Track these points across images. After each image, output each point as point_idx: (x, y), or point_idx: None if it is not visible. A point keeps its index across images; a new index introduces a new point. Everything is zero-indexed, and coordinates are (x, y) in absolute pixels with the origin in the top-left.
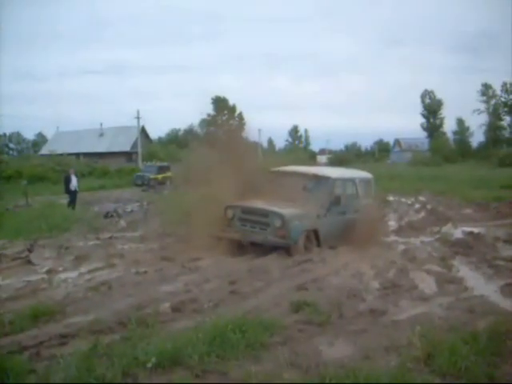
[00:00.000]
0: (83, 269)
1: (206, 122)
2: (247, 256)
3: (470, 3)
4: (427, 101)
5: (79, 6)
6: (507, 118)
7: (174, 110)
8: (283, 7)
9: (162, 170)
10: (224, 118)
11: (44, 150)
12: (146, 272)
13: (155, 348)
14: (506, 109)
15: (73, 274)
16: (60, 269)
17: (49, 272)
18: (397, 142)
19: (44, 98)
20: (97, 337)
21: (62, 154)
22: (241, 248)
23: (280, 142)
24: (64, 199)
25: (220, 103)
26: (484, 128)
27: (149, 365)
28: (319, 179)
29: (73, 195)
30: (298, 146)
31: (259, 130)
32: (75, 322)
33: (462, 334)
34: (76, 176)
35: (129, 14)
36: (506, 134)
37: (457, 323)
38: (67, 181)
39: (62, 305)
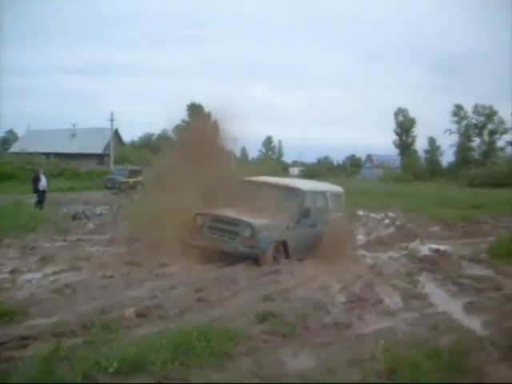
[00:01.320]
0: (48, 270)
1: (180, 128)
2: (215, 264)
3: (450, 24)
4: (400, 118)
5: (64, 3)
6: (477, 140)
7: (150, 114)
8: (267, 17)
9: (133, 173)
10: (198, 125)
11: (14, 148)
12: (112, 276)
13: (118, 353)
14: (476, 130)
15: (37, 275)
16: (24, 269)
17: (12, 272)
18: (369, 157)
19: (17, 95)
20: (59, 340)
21: (32, 153)
22: (209, 256)
23: (253, 152)
24: (32, 199)
25: (195, 110)
26: (454, 148)
27: (110, 369)
28: (290, 191)
29: (41, 195)
30: (271, 157)
31: (235, 139)
32: (37, 324)
33: (425, 350)
34: (45, 176)
35: (111, 14)
36: (476, 155)
37: (420, 339)
38: (36, 180)
39: (24, 306)
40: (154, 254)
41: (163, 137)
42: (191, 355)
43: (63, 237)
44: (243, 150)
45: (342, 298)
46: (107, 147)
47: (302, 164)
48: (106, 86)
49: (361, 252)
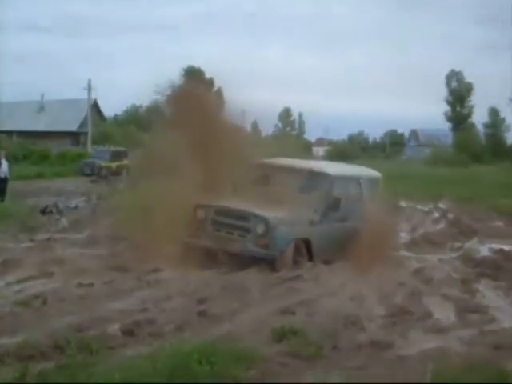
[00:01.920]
0: (11, 277)
1: (175, 98)
2: (221, 269)
3: None
4: (453, 84)
5: None
6: None
7: (136, 81)
8: None
9: (117, 156)
10: (197, 93)
11: None
12: (91, 284)
13: (100, 380)
14: None
15: None
16: None
17: None
18: (413, 133)
19: None
20: (25, 364)
21: None
22: (213, 258)
23: (267, 128)
24: None
25: (194, 75)
26: None
27: None
28: (315, 176)
29: (2, 184)
30: (290, 134)
31: (244, 112)
32: None
33: (486, 375)
34: (6, 160)
35: None
36: None
37: (479, 361)
38: None
39: None
40: (143, 257)
41: (153, 109)
42: (191, 382)
43: (30, 236)
44: (255, 126)
45: (380, 311)
46: (83, 123)
47: (329, 142)
48: (79, 48)
49: (404, 253)
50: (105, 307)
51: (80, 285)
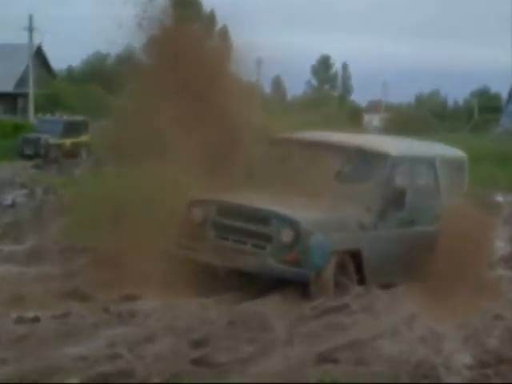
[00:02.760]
0: None
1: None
2: (227, 295)
3: None
4: None
5: None
6: None
7: (101, 17)
8: None
9: (72, 129)
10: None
11: None
12: (36, 319)
13: None
14: None
15: None
16: None
17: None
18: None
19: None
20: None
21: None
22: (217, 279)
23: (296, 85)
24: None
25: (186, 8)
26: None
27: None
28: (367, 158)
29: None
30: (330, 94)
31: (259, 62)
32: None
33: None
34: None
35: None
36: None
37: None
38: None
39: None
40: (112, 278)
41: (126, 59)
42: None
43: None
44: (277, 83)
45: (465, 359)
46: (23, 81)
47: (388, 107)
48: None
49: (502, 272)
50: (56, 352)
51: (20, 320)
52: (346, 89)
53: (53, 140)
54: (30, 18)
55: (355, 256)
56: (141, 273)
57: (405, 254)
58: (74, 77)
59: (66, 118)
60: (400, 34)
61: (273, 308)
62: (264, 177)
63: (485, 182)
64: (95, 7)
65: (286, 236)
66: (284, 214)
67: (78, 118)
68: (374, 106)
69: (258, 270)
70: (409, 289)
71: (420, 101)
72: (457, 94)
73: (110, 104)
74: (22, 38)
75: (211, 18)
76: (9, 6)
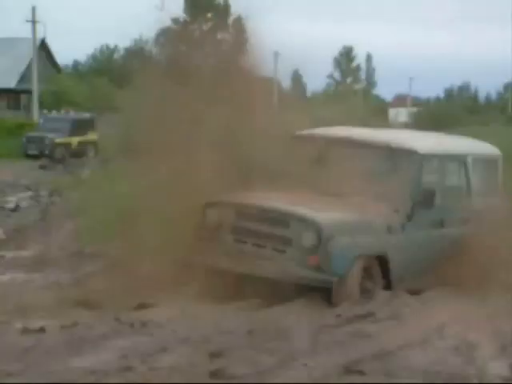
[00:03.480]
0: None
1: (171, 35)
2: (246, 303)
3: None
4: None
5: None
6: None
7: (109, 10)
8: None
9: (79, 127)
10: (206, 27)
11: None
12: (43, 330)
13: None
14: None
15: None
16: None
17: None
18: None
19: None
20: None
21: None
22: (234, 286)
23: (317, 79)
24: None
25: (199, 1)
26: None
27: None
28: (394, 156)
29: None
30: (353, 88)
31: (276, 54)
32: None
33: None
34: None
35: None
36: None
37: None
38: None
39: None
40: (124, 286)
41: (137, 53)
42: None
43: None
44: (296, 77)
45: (502, 369)
46: (26, 76)
47: (416, 101)
48: None
49: None
50: (64, 365)
51: (26, 330)
52: (371, 82)
53: (58, 139)
54: (33, 9)
55: (381, 260)
56: (154, 280)
57: (434, 258)
58: (80, 71)
59: (72, 115)
60: (426, 24)
61: (294, 316)
62: (285, 176)
63: None
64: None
65: (307, 239)
66: (304, 215)
67: (85, 115)
68: (400, 101)
69: (278, 275)
70: (439, 294)
71: (449, 94)
72: (489, 86)
73: (119, 100)
74: (26, 31)
75: (225, 8)
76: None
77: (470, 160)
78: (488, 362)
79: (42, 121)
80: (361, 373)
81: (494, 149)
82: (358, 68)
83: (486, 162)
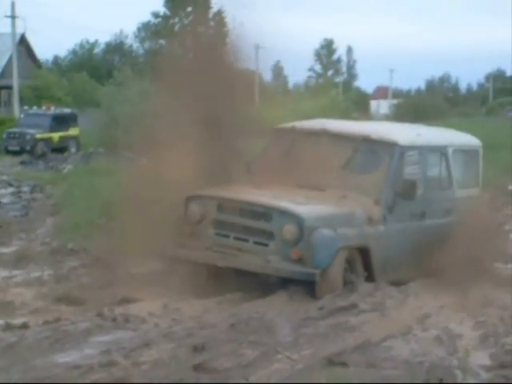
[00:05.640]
0: None
1: (151, 30)
2: (228, 296)
3: None
4: None
5: None
6: None
7: (89, 5)
8: None
9: (60, 122)
10: (187, 20)
11: None
12: (25, 326)
13: None
14: None
15: None
16: None
17: None
18: None
19: None
20: None
21: None
22: (217, 279)
23: (298, 72)
24: None
25: None
26: None
27: None
28: (374, 147)
29: None
30: (334, 80)
31: (257, 47)
32: None
33: None
34: None
35: None
36: None
37: None
38: None
39: None
40: (107, 281)
41: (116, 48)
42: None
43: None
44: (278, 70)
45: (483, 360)
46: (6, 71)
47: (397, 93)
48: None
49: None
50: (47, 361)
51: (8, 327)
52: (351, 74)
53: (39, 134)
54: (12, 4)
55: (363, 252)
56: (136, 274)
57: (416, 249)
58: (61, 66)
59: (53, 110)
60: (407, 15)
61: (277, 309)
62: (266, 170)
63: (502, 170)
64: None
65: (289, 232)
66: (286, 208)
67: (66, 110)
68: (380, 93)
69: (260, 268)
70: (421, 285)
71: (430, 86)
72: (470, 77)
73: (100, 95)
74: (5, 26)
75: (206, 1)
76: None
77: (450, 151)
78: (470, 351)
79: (22, 116)
80: (344, 364)
81: (475, 140)
82: (338, 60)
83: (467, 152)
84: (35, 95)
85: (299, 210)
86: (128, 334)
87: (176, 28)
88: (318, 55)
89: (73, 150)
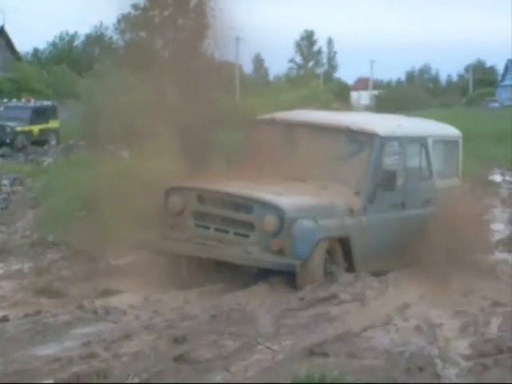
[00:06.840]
0: None
1: (131, 22)
2: (209, 287)
3: None
4: None
5: None
6: None
7: None
8: None
9: (40, 115)
10: (167, 12)
11: None
12: (5, 318)
13: None
14: None
15: None
16: None
17: None
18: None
19: None
20: None
21: None
22: (198, 270)
23: (279, 63)
24: None
25: None
26: None
27: None
28: (355, 138)
29: None
30: (314, 72)
31: (238, 39)
32: None
33: None
34: None
35: None
36: None
37: None
38: None
39: None
40: (87, 273)
41: (97, 39)
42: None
43: None
44: (258, 62)
45: (462, 348)
46: None
47: (377, 84)
48: None
49: (499, 256)
50: (28, 354)
51: None
52: (332, 66)
53: (19, 127)
54: None
55: (344, 243)
56: (117, 266)
57: (396, 239)
58: (41, 59)
59: (33, 103)
60: (388, 6)
61: (258, 300)
62: (246, 161)
63: (481, 161)
64: None
65: (269, 223)
66: (266, 199)
67: (46, 103)
68: (361, 84)
69: (241, 259)
70: (402, 275)
71: (410, 77)
72: (450, 68)
73: (81, 88)
74: None
75: None
76: None
77: (430, 142)
78: (450, 341)
79: (2, 109)
80: (324, 355)
81: (455, 130)
82: (319, 52)
83: (447, 143)
84: (15, 88)
85: (280, 202)
86: (109, 326)
87: (156, 20)
88: (299, 46)
89: (53, 142)
